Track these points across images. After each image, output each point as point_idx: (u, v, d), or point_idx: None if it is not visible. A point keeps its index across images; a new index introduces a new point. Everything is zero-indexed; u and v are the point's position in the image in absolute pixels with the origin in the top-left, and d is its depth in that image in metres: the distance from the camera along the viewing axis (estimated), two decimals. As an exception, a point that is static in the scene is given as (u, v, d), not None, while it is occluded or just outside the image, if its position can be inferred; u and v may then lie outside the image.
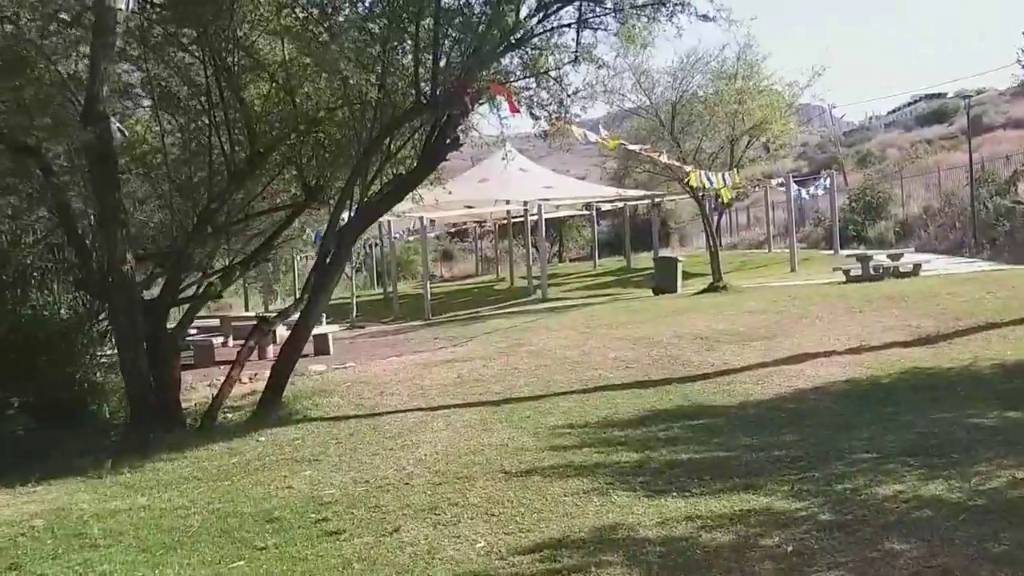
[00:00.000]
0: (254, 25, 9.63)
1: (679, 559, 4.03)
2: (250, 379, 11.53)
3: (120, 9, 7.79)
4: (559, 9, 9.68)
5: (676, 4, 9.41)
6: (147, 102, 10.58)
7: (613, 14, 9.62)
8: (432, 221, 30.96)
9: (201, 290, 9.79)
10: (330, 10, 9.14)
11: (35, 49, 7.16)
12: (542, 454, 6.35)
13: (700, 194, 19.44)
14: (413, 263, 39.61)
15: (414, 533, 4.73)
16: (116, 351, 8.88)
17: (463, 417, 8.03)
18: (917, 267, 17.23)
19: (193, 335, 16.01)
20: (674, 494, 5.08)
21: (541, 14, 9.64)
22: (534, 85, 10.62)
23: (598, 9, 9.66)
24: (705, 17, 9.39)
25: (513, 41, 9.63)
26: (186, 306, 10.27)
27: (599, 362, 10.47)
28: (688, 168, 16.93)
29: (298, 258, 28.91)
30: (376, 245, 37.24)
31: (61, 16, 7.80)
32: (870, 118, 79.28)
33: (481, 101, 10.31)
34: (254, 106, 10.24)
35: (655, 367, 9.92)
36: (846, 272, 17.00)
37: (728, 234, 38.76)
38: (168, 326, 9.52)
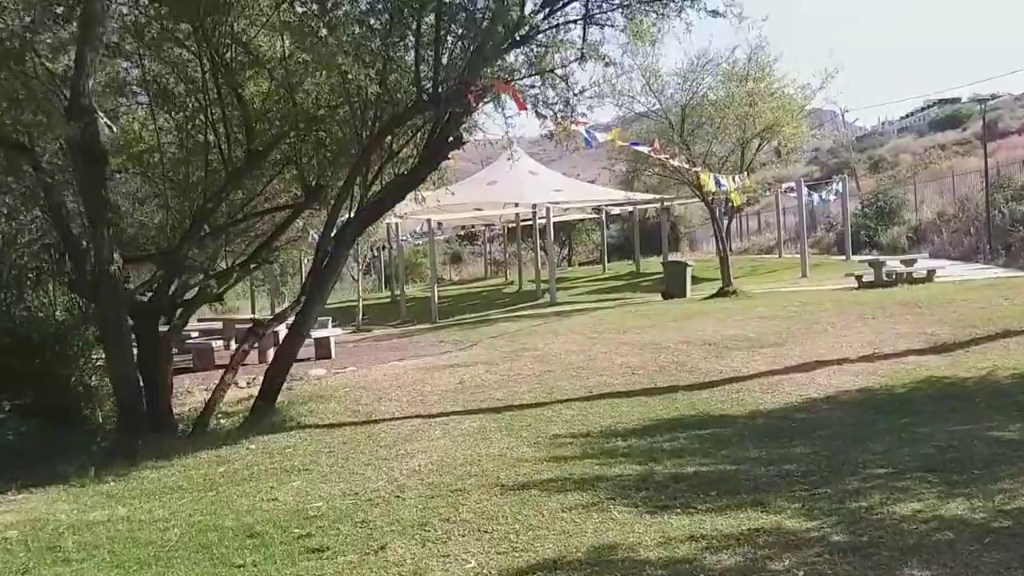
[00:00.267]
0: (252, 20, 9.41)
1: (681, 584, 3.75)
2: (248, 383, 11.30)
3: (108, 1, 7.55)
4: (565, 5, 9.42)
5: (685, -2, 9.13)
6: (143, 99, 10.32)
7: (620, 10, 9.34)
8: (440, 224, 30.79)
9: (197, 292, 9.53)
10: (330, 4, 8.89)
11: (20, 40, 6.93)
12: (541, 466, 6.07)
13: (710, 198, 19.15)
14: (421, 266, 39.34)
15: (401, 552, 4.46)
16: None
17: (462, 425, 7.76)
18: (931, 273, 16.89)
19: (195, 338, 15.84)
20: (678, 511, 4.80)
21: (547, 10, 9.37)
22: (540, 84, 10.37)
23: (605, 4, 9.38)
24: (715, 13, 9.11)
25: (518, 38, 9.37)
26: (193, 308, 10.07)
27: (605, 368, 10.19)
28: (697, 169, 16.63)
29: (306, 260, 28.74)
30: (384, 248, 37.08)
31: (49, 7, 7.57)
32: (883, 123, 78.74)
33: (486, 99, 10.04)
34: (253, 103, 10.01)
35: (662, 374, 9.63)
36: (858, 278, 16.67)
37: (738, 239, 38.37)
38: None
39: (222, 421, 9.34)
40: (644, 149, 16.19)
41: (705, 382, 8.98)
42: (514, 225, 32.56)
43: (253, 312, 27.61)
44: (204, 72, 9.22)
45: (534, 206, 23.87)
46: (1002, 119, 49.36)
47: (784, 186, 28.29)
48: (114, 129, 8.55)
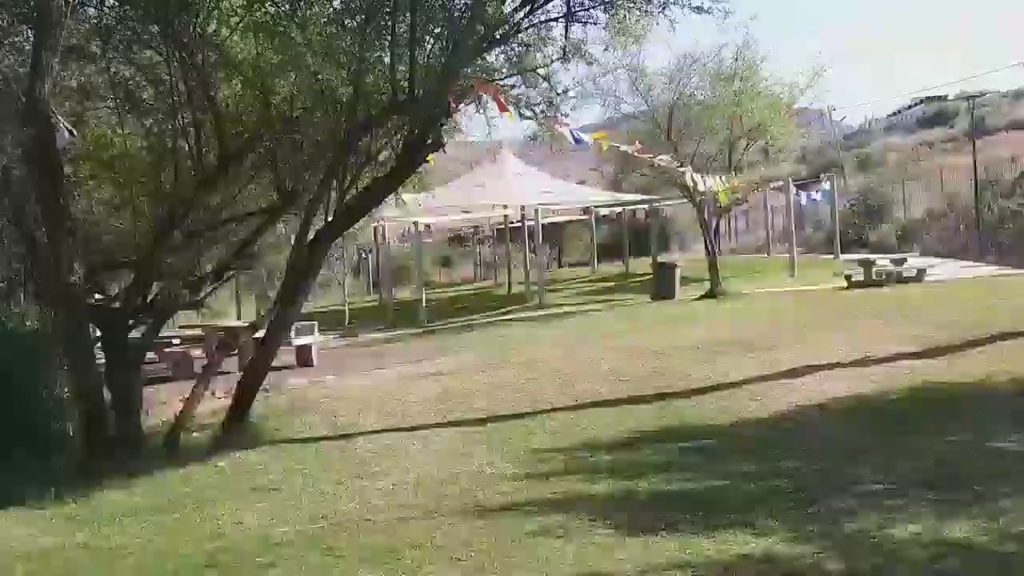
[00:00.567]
0: (223, 21, 9.11)
1: (665, 620, 3.48)
2: (225, 393, 10.91)
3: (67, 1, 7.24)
4: (546, 2, 9.13)
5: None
6: (111, 103, 9.99)
7: (603, 7, 9.07)
8: (427, 226, 30.50)
9: (168, 301, 9.21)
10: (302, 2, 8.60)
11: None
12: (521, 483, 5.79)
13: (698, 198, 18.93)
14: (410, 268, 39.03)
15: (367, 582, 4.18)
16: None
17: (441, 438, 7.49)
18: (921, 272, 16.71)
19: (176, 345, 15.48)
20: (663, 533, 4.53)
21: (527, 7, 9.10)
22: (522, 84, 10.10)
23: (587, 1, 9.11)
24: (699, 9, 8.84)
25: (498, 36, 9.10)
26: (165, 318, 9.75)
27: (591, 375, 9.91)
28: (683, 169, 16.40)
29: (290, 265, 28.38)
30: (371, 252, 36.77)
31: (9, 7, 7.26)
32: (870, 121, 78.80)
33: (467, 101, 9.77)
34: (225, 106, 9.71)
35: (649, 380, 9.35)
36: (848, 277, 16.49)
37: (727, 239, 38.19)
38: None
39: (195, 435, 8.99)
40: (628, 148, 15.93)
41: (693, 389, 8.71)
42: (503, 227, 32.30)
43: (239, 318, 27.23)
44: (171, 73, 8.90)
45: (522, 208, 23.65)
46: (989, 116, 49.39)
47: (772, 185, 28.12)
48: (75, 133, 8.22)
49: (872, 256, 19.14)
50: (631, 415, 7.80)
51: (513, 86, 9.98)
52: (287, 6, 8.84)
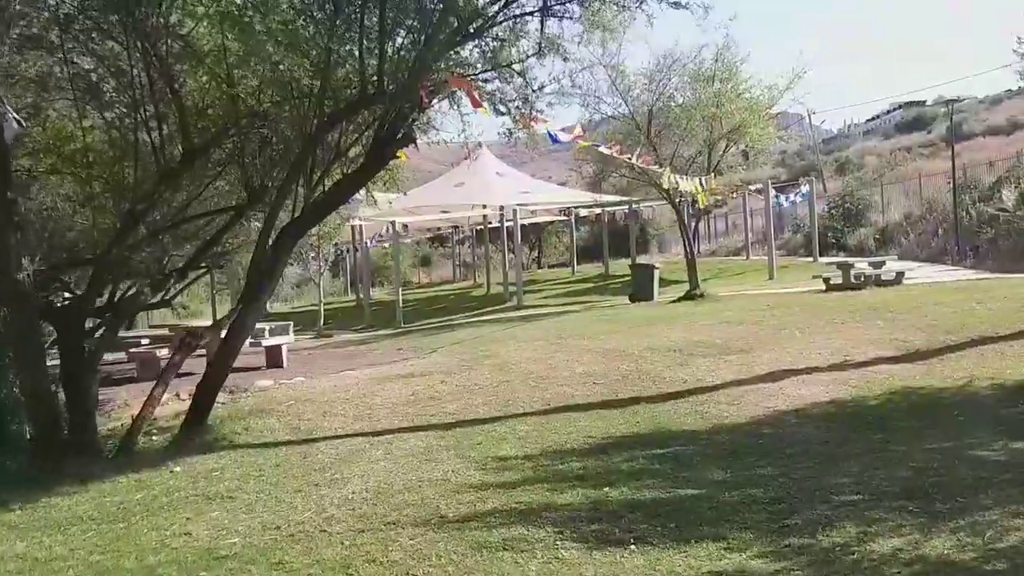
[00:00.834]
0: (187, 11, 8.79)
1: (631, 643, 3.24)
2: (190, 394, 10.62)
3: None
4: (521, -5, 8.90)
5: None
6: (71, 95, 9.64)
7: (578, 1, 8.85)
8: (405, 226, 30.18)
9: (127, 300, 8.88)
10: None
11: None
12: (486, 492, 5.53)
13: (677, 200, 18.78)
14: (389, 268, 38.68)
15: (316, 600, 3.92)
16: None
17: (407, 443, 7.21)
18: (900, 275, 16.62)
19: (144, 345, 15.09)
20: (632, 546, 4.30)
21: (502, 1, 8.87)
22: (497, 79, 9.86)
23: (563, -5, 8.88)
24: (676, 4, 8.63)
25: (471, 30, 8.85)
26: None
27: (565, 378, 9.68)
28: (660, 171, 16.22)
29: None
30: (349, 251, 36.41)
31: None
32: (849, 125, 79.33)
33: (440, 96, 9.51)
34: (189, 98, 9.39)
35: (624, 383, 9.14)
36: (826, 280, 16.36)
37: (706, 241, 38.21)
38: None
39: (154, 439, 8.68)
40: (606, 150, 15.73)
41: (668, 393, 8.50)
42: (482, 227, 32.05)
43: (214, 317, 26.80)
44: (131, 63, 8.58)
45: (501, 208, 23.42)
46: (966, 122, 49.78)
47: (752, 187, 28.07)
48: (24, 124, 7.88)
49: (851, 259, 19.06)
50: (604, 420, 7.57)
51: (487, 80, 9.74)
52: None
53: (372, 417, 8.54)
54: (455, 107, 10.03)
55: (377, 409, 8.88)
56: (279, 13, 7.81)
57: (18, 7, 7.10)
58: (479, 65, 9.65)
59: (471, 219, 31.82)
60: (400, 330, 18.30)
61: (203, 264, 12.00)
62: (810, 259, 24.51)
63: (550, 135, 13.58)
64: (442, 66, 8.93)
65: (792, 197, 27.88)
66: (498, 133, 11.33)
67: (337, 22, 8.30)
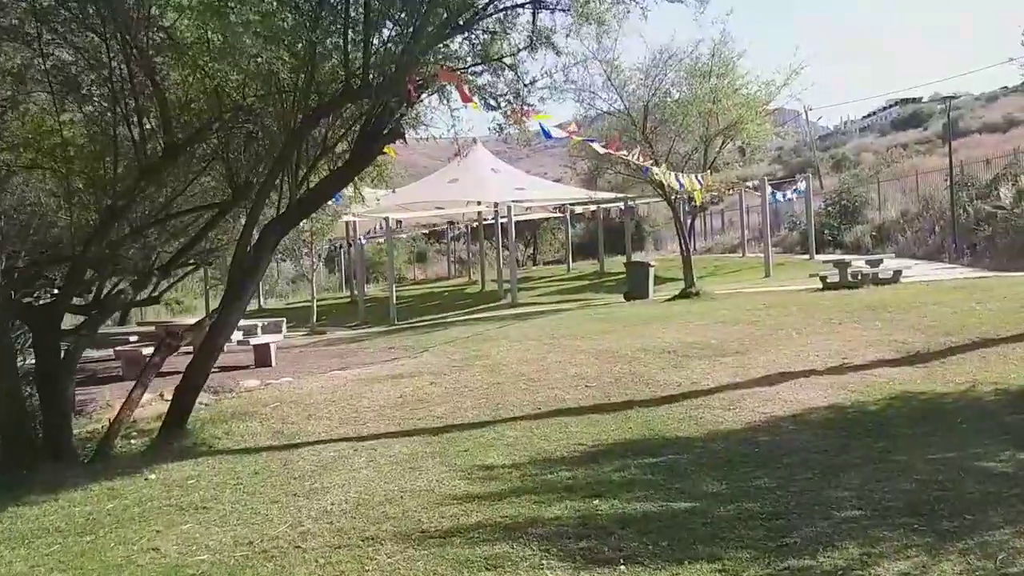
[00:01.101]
0: (168, 2, 8.52)
1: None
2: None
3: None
4: (513, -14, 8.65)
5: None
6: (49, 88, 9.36)
7: (571, -7, 8.59)
8: (399, 222, 29.92)
9: (105, 299, 8.62)
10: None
11: None
12: (471, 504, 5.28)
13: (673, 197, 18.53)
14: (384, 264, 38.45)
15: (285, 626, 3.68)
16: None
17: (392, 450, 6.96)
18: (897, 273, 16.41)
19: (134, 342, 14.83)
20: (622, 567, 4.07)
21: (492, -8, 8.61)
22: (488, 72, 9.60)
23: (554, -13, 8.63)
24: (672, -3, 8.40)
25: (461, 22, 8.59)
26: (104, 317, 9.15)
27: (557, 380, 9.44)
28: (656, 170, 15.98)
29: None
30: (342, 247, 36.18)
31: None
32: (845, 122, 79.25)
33: (429, 91, 9.25)
34: (173, 93, 9.12)
35: (617, 386, 8.90)
36: (823, 279, 16.14)
37: (702, 238, 38.03)
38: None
39: (133, 442, 8.43)
40: (599, 147, 15.47)
41: (662, 396, 8.26)
42: (477, 224, 31.81)
43: (207, 314, 26.57)
44: (109, 55, 8.31)
45: (496, 204, 23.19)
46: (963, 118, 49.60)
47: (748, 184, 27.87)
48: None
49: (847, 257, 18.85)
50: (596, 425, 7.33)
51: (478, 74, 9.49)
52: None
53: (358, 420, 8.30)
54: (444, 102, 9.78)
55: (363, 412, 8.64)
56: (265, 5, 7.53)
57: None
58: (469, 59, 9.39)
59: (466, 215, 31.59)
60: (393, 328, 18.10)
61: (191, 261, 11.77)
62: (806, 256, 24.33)
63: (543, 131, 13.33)
64: (430, 59, 8.67)
65: (788, 194, 27.69)
66: (488, 128, 11.09)
67: (322, 13, 8.04)
